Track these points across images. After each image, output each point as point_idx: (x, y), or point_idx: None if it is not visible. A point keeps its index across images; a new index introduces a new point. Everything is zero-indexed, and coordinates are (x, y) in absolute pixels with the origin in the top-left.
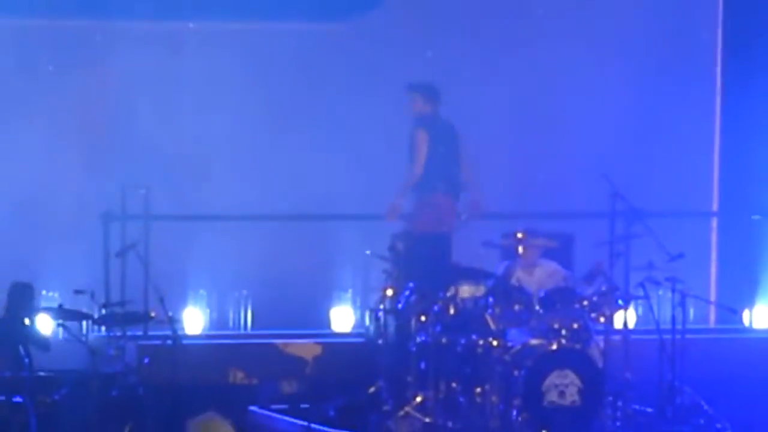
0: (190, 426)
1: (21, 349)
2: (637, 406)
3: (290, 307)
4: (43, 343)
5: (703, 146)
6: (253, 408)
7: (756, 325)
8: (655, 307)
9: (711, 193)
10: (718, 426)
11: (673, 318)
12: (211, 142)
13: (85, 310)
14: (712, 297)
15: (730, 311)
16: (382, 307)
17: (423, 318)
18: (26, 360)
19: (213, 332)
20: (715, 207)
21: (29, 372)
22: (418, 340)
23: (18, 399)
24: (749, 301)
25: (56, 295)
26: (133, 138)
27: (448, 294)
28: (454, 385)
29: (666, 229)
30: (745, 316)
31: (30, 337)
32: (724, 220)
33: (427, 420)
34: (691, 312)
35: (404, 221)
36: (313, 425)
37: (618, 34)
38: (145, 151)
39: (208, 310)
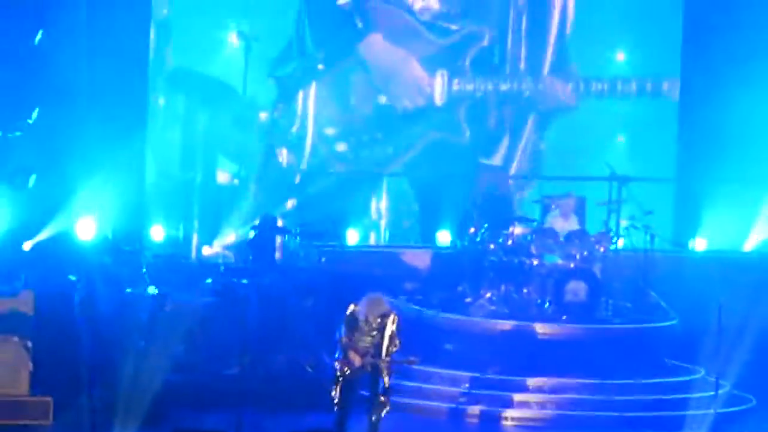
0: (364, 299)
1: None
2: (621, 303)
3: (411, 232)
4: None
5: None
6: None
7: (696, 249)
8: (634, 241)
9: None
10: (671, 316)
11: (645, 249)
12: None
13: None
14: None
15: (681, 244)
16: (468, 237)
17: (492, 246)
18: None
19: (362, 244)
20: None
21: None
22: (489, 259)
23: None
24: (693, 236)
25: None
26: None
27: (508, 231)
28: (510, 287)
29: (641, 193)
30: (690, 245)
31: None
32: (679, 186)
33: (493, 308)
34: (656, 242)
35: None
36: (423, 308)
37: None
38: None
39: (360, 232)
